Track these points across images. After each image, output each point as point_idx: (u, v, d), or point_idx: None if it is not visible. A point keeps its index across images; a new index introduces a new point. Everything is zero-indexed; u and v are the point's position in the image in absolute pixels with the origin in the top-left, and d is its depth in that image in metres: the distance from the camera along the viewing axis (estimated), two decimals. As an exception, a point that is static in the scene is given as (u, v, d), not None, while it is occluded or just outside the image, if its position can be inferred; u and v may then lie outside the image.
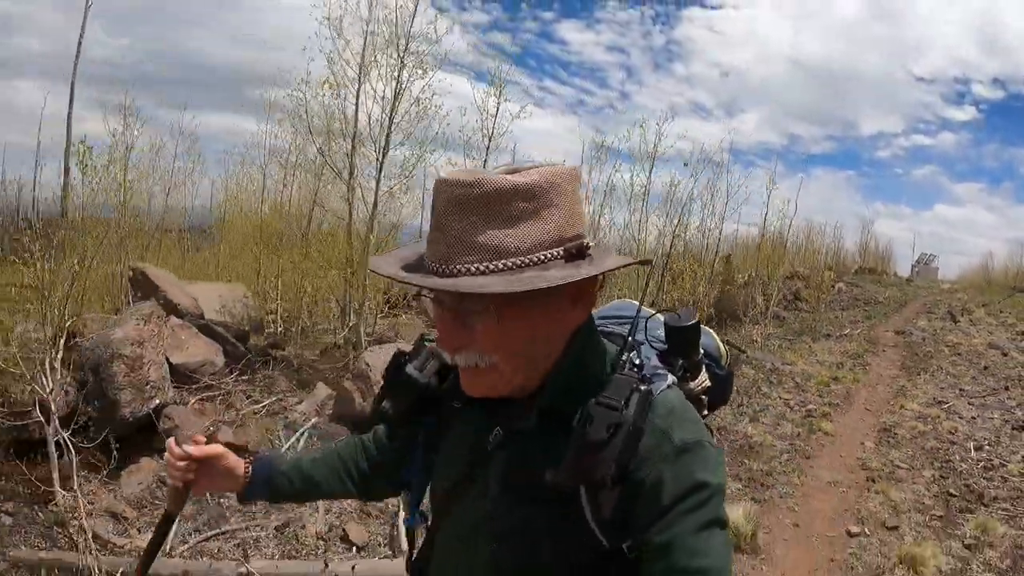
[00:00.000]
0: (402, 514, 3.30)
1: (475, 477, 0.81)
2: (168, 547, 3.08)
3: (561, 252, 0.70)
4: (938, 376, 8.87)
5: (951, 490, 4.74)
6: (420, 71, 5.89)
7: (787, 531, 3.88)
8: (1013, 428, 6.51)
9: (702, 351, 0.91)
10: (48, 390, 3.52)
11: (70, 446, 3.37)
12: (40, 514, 3.42)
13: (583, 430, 0.68)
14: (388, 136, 5.95)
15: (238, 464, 0.98)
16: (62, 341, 3.90)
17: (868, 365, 9.38)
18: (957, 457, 5.53)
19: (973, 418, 6.81)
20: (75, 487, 3.29)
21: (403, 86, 5.79)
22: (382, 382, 0.90)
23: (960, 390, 8.07)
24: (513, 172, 0.69)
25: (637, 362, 0.77)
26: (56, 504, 3.41)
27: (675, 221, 7.95)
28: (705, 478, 0.69)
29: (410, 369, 0.87)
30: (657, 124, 7.81)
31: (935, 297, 20.59)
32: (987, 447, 5.85)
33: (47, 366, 3.62)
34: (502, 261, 0.67)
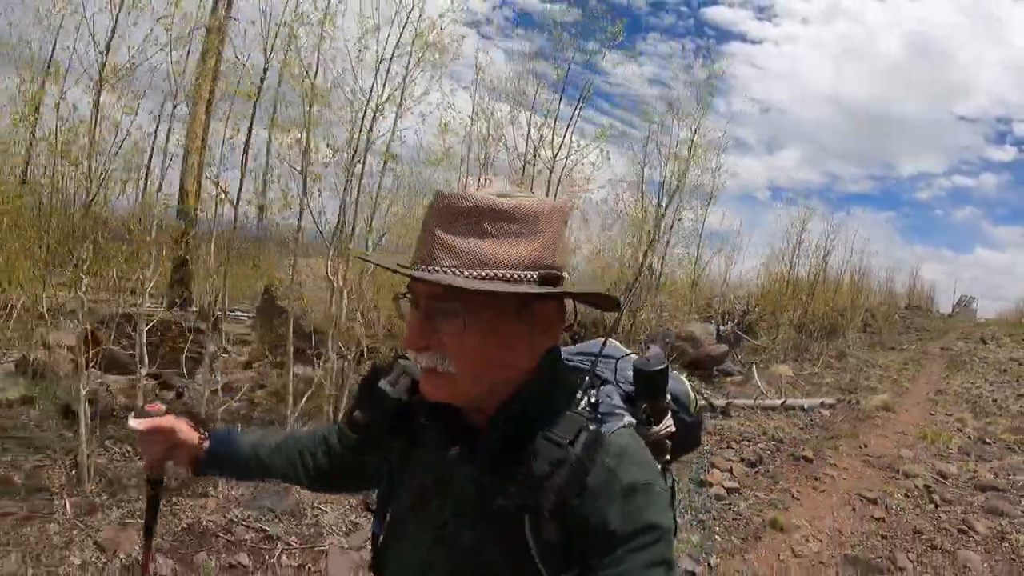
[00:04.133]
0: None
1: (432, 497, 0.82)
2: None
3: (535, 276, 0.73)
4: (971, 373, 13.63)
5: (977, 411, 9.58)
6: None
7: (901, 411, 8.81)
8: (1017, 396, 11.27)
9: (669, 396, 0.91)
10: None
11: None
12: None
13: (528, 462, 0.71)
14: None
15: (192, 438, 1.01)
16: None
17: (923, 365, 14.21)
18: (982, 403, 10.32)
19: (992, 391, 11.57)
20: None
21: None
22: (356, 394, 0.91)
23: (985, 379, 12.83)
24: (504, 196, 0.73)
25: (593, 400, 0.79)
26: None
27: (818, 262, 13.14)
28: (655, 520, 0.71)
29: (383, 383, 0.88)
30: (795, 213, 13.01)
31: (971, 328, 25.23)
32: (1000, 401, 10.60)
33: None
34: (479, 271, 0.71)
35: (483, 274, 0.71)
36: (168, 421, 0.99)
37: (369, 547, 0.91)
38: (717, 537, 3.99)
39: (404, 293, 0.80)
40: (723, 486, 4.74)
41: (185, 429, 1.00)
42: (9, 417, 4.73)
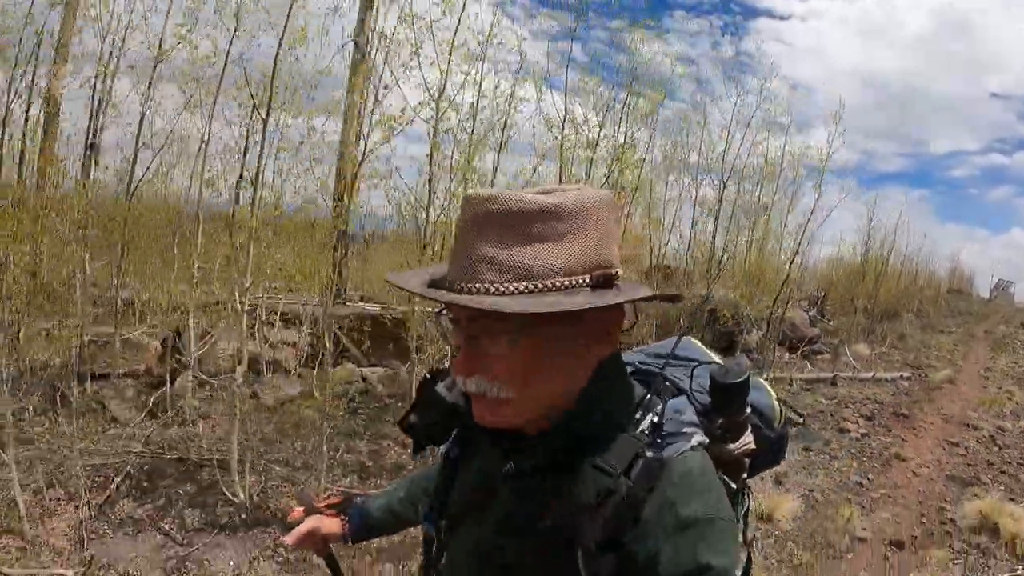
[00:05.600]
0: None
1: (483, 506, 0.79)
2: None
3: (588, 280, 0.67)
4: (1014, 354, 15.73)
5: (1022, 385, 11.75)
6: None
7: (961, 384, 11.01)
8: (1055, 374, 13.44)
9: (750, 409, 0.83)
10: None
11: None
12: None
13: (575, 491, 0.67)
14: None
15: (334, 526, 1.10)
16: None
17: (971, 346, 16.33)
18: (1025, 379, 12.50)
19: (1034, 369, 13.74)
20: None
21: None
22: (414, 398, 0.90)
23: (1027, 359, 14.99)
24: (545, 193, 0.67)
25: (656, 420, 0.71)
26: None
27: (878, 245, 15.42)
28: (708, 560, 0.64)
29: (439, 387, 0.86)
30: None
31: (1012, 313, 27.25)
32: (1041, 378, 12.77)
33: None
34: (523, 283, 0.64)
35: (531, 286, 0.65)
36: (309, 524, 1.07)
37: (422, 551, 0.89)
38: (866, 463, 6.37)
39: (442, 310, 0.74)
40: (858, 433, 7.12)
41: (325, 523, 1.09)
42: (294, 412, 5.56)
